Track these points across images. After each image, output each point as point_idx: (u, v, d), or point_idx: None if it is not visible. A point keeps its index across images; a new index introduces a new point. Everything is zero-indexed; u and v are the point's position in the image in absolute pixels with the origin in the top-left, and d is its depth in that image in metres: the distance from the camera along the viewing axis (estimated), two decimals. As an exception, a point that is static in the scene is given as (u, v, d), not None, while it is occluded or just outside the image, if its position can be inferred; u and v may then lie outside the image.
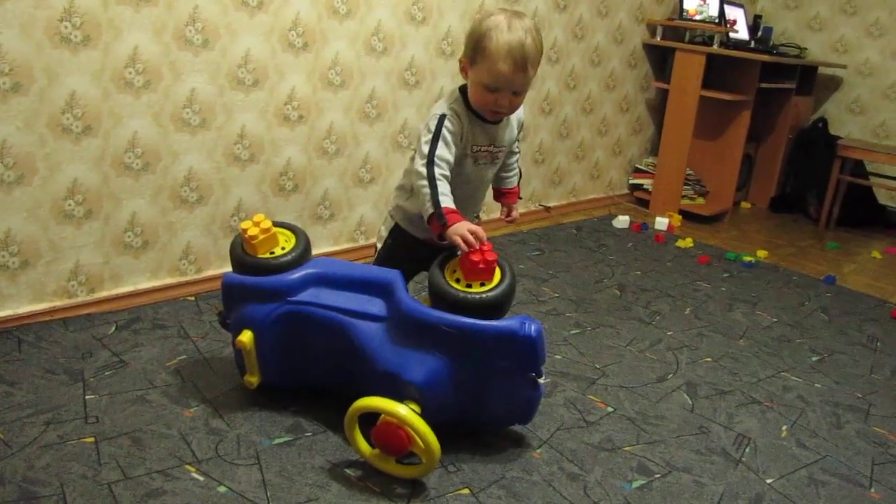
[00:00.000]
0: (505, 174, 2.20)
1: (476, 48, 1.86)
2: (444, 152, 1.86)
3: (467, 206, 2.03)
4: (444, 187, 1.83)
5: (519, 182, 2.25)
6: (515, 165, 2.22)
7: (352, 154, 3.05)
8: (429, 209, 1.82)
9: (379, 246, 2.15)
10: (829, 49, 5.17)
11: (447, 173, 1.86)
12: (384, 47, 3.02)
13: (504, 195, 2.24)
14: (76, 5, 2.17)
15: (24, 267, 2.27)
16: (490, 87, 1.85)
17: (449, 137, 1.88)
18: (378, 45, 2.99)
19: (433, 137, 1.87)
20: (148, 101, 2.40)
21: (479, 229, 1.78)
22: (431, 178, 1.83)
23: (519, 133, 2.13)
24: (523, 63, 1.82)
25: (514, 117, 2.06)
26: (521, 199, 2.28)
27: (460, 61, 1.94)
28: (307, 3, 2.71)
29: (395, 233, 2.11)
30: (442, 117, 1.89)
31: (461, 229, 1.75)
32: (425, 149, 1.86)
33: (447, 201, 1.82)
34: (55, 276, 2.34)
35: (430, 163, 1.84)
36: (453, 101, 1.95)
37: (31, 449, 1.70)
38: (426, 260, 1.94)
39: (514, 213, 2.25)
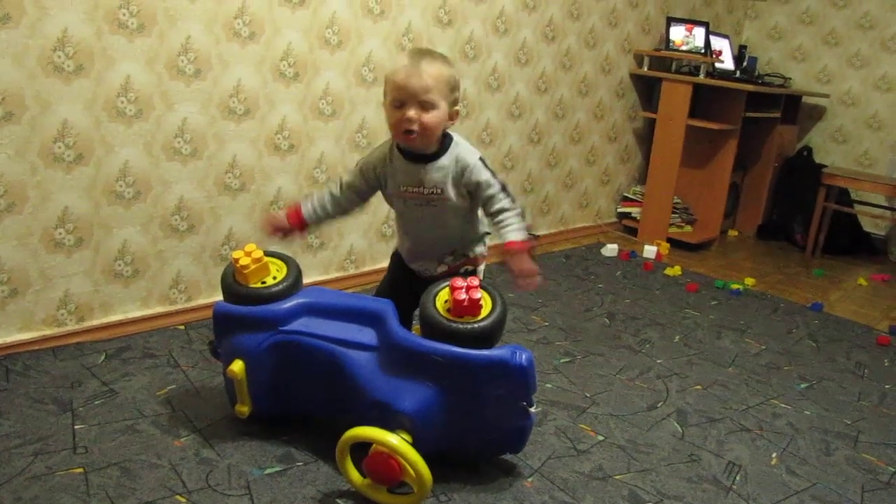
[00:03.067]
0: (499, 230, 1.99)
1: (385, 85, 1.91)
2: (347, 177, 2.06)
3: (422, 249, 2.08)
4: (318, 194, 2.08)
5: (516, 237, 1.94)
6: (508, 220, 1.95)
7: (342, 183, 3.06)
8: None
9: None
10: (812, 79, 5.25)
11: (334, 191, 2.06)
12: (374, 77, 3.04)
13: (503, 249, 1.96)
14: (69, 35, 2.19)
15: (13, 295, 2.26)
16: (394, 104, 1.86)
17: (355, 171, 2.05)
18: (368, 74, 3.02)
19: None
20: (140, 130, 2.41)
21: (274, 219, 2.07)
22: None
23: (477, 187, 1.95)
24: (415, 69, 1.82)
25: (462, 165, 1.94)
26: (534, 248, 2.02)
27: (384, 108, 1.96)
28: (299, 34, 2.74)
29: (394, 255, 2.19)
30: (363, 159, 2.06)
31: (277, 218, 2.07)
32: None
33: (304, 203, 2.07)
34: (44, 304, 2.34)
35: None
36: (384, 143, 2.03)
37: (19, 480, 1.69)
38: (417, 288, 1.98)
39: (515, 266, 1.92)
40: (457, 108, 1.94)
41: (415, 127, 1.84)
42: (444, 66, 1.87)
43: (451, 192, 1.95)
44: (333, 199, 2.06)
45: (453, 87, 1.90)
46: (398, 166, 1.96)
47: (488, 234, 2.14)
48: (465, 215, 2.03)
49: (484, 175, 1.94)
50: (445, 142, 1.95)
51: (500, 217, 1.96)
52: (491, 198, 1.96)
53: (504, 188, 1.97)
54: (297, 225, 2.06)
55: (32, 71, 2.15)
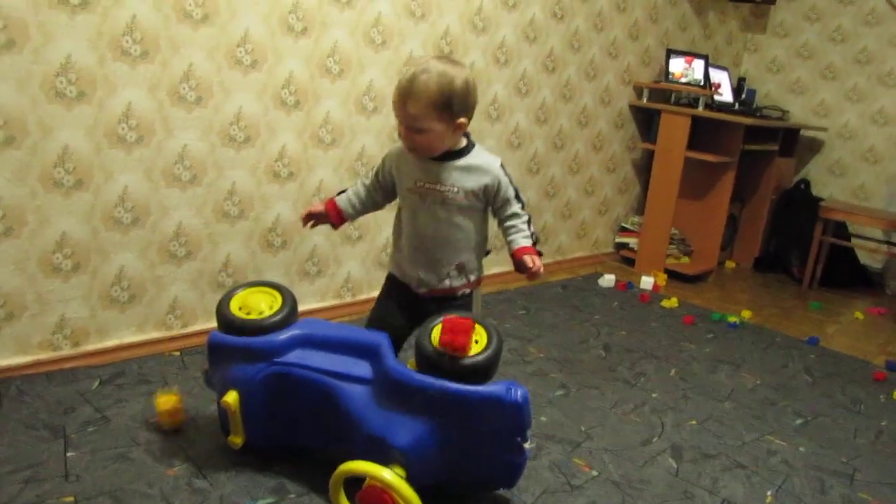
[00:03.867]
0: (509, 237, 2.05)
1: None
2: (377, 169, 2.13)
3: (426, 256, 2.03)
4: (352, 187, 2.17)
5: (534, 244, 2.05)
6: (520, 226, 2.04)
7: (341, 210, 3.06)
8: None
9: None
10: (810, 112, 5.28)
11: (369, 185, 2.15)
12: (375, 106, 3.06)
13: (514, 253, 2.02)
14: (73, 61, 2.20)
15: (8, 319, 2.26)
16: (398, 117, 1.92)
17: (383, 158, 2.11)
18: (369, 103, 3.03)
19: None
20: (140, 157, 2.42)
21: (313, 207, 2.14)
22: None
23: (497, 192, 2.00)
24: (403, 96, 1.85)
25: (484, 168, 1.99)
26: (540, 254, 2.04)
27: None
28: (301, 63, 2.76)
29: (387, 278, 2.18)
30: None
31: (315, 205, 2.16)
32: None
33: (340, 196, 2.16)
34: (40, 328, 2.33)
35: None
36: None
37: (10, 508, 1.68)
38: (413, 311, 2.07)
39: (527, 262, 1.97)
40: (461, 120, 1.91)
41: (408, 144, 1.94)
42: (437, 85, 1.84)
43: (468, 193, 1.98)
44: (366, 191, 2.14)
45: (447, 103, 1.86)
46: (415, 160, 1.99)
47: (489, 252, 2.18)
48: (476, 223, 2.05)
49: (504, 179, 2.02)
50: (468, 144, 2.01)
51: (513, 222, 2.04)
52: (507, 201, 2.03)
53: (518, 194, 2.05)
54: (334, 215, 2.14)
55: (35, 96, 2.16)
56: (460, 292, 2.08)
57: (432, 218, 2.00)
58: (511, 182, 2.03)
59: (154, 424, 2.09)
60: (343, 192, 2.17)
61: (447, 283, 2.05)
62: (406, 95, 1.85)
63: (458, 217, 2.00)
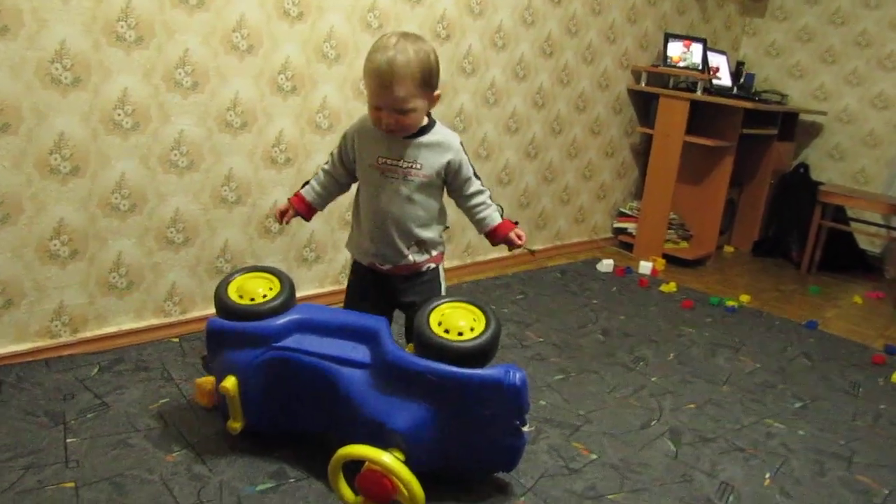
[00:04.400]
0: (478, 215, 2.09)
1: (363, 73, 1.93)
2: (335, 149, 2.13)
3: (385, 232, 2.03)
4: (316, 179, 2.18)
5: (501, 215, 2.11)
6: (487, 202, 2.10)
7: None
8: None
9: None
10: (809, 96, 5.27)
11: (328, 169, 2.16)
12: (372, 91, 3.05)
13: (494, 233, 2.10)
14: (67, 47, 2.19)
15: (7, 307, 2.26)
16: (372, 105, 1.91)
17: (343, 135, 2.10)
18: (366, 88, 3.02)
19: None
20: (136, 143, 2.41)
21: (283, 206, 2.16)
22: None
23: (458, 170, 2.03)
24: (388, 81, 1.84)
25: (445, 145, 2.01)
26: (516, 223, 2.11)
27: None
28: (297, 48, 2.75)
29: (354, 269, 2.20)
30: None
31: (282, 204, 2.18)
32: None
33: (306, 189, 2.17)
34: (38, 316, 2.33)
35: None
36: (364, 115, 2.05)
37: (9, 495, 1.68)
38: (384, 292, 2.13)
39: (515, 240, 2.08)
40: (437, 92, 1.95)
41: (394, 128, 1.92)
42: (417, 63, 1.86)
43: (430, 169, 2.00)
44: (327, 176, 2.16)
45: (427, 79, 1.89)
46: (379, 137, 1.99)
47: (447, 227, 2.20)
48: (436, 199, 2.08)
49: (464, 157, 2.05)
50: (430, 121, 2.02)
51: (479, 199, 2.09)
52: (468, 180, 2.07)
53: (475, 171, 2.10)
54: (301, 209, 2.16)
55: (30, 83, 2.15)
56: (425, 267, 2.11)
57: (394, 194, 2.01)
58: (468, 160, 2.07)
59: (154, 410, 2.10)
60: (307, 183, 2.18)
61: (410, 258, 2.07)
62: (390, 79, 1.83)
63: (419, 194, 2.02)
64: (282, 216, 2.19)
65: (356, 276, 2.19)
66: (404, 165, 1.98)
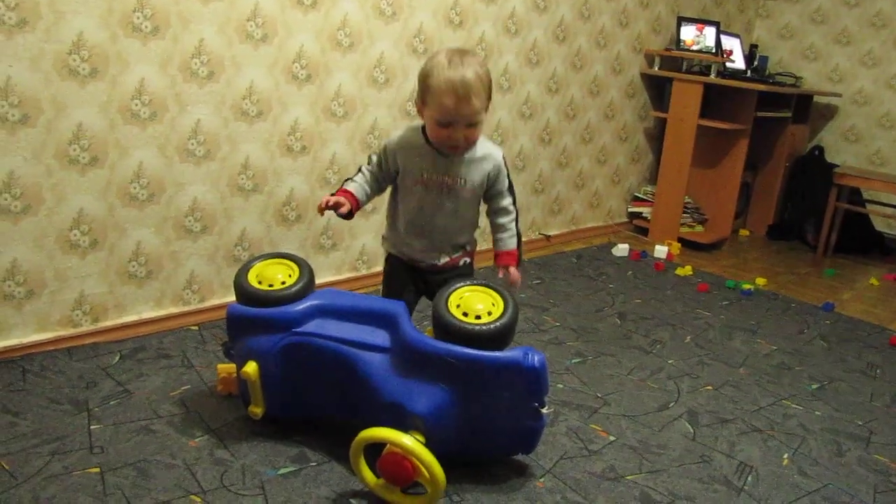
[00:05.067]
0: (497, 234, 2.13)
1: (423, 88, 1.93)
2: (374, 158, 2.10)
3: (429, 239, 2.08)
4: (358, 176, 2.09)
5: (519, 248, 2.14)
6: (508, 226, 2.12)
7: (354, 184, 3.07)
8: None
9: (384, 261, 2.24)
10: (824, 78, 5.24)
11: (373, 170, 2.09)
12: (386, 78, 3.06)
13: (499, 257, 2.14)
14: (85, 38, 2.21)
15: (29, 296, 2.29)
16: (441, 123, 1.90)
17: (380, 154, 2.08)
18: (380, 76, 3.03)
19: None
20: (153, 133, 2.43)
21: (338, 199, 2.01)
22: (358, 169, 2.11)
23: (496, 181, 2.07)
24: (466, 95, 1.86)
25: (488, 158, 2.04)
26: (521, 262, 2.16)
27: (416, 104, 2.00)
28: (311, 36, 2.75)
29: (388, 259, 2.21)
30: (387, 140, 2.09)
31: (327, 196, 2.03)
32: None
33: (354, 186, 2.07)
34: (60, 305, 2.36)
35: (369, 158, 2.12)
36: (412, 128, 2.05)
37: (37, 480, 1.71)
38: (419, 282, 2.15)
39: (513, 275, 2.10)
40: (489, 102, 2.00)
41: (461, 144, 1.94)
42: (484, 75, 1.91)
43: (475, 184, 2.04)
44: (373, 178, 2.10)
45: (490, 93, 1.96)
46: (426, 154, 2.00)
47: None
48: (475, 208, 2.13)
49: (503, 170, 2.08)
50: None
51: (502, 220, 2.12)
52: (500, 193, 2.09)
53: (511, 188, 2.11)
54: (354, 204, 2.07)
55: (48, 74, 2.17)
56: (461, 262, 2.15)
57: (437, 208, 2.04)
58: (508, 175, 2.09)
59: (176, 397, 2.12)
60: (349, 180, 2.11)
61: (447, 259, 2.12)
62: (468, 95, 1.86)
63: (462, 206, 2.06)
64: (330, 207, 2.02)
65: (392, 267, 2.19)
66: (449, 182, 2.01)
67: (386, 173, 2.09)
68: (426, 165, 2.00)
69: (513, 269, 2.09)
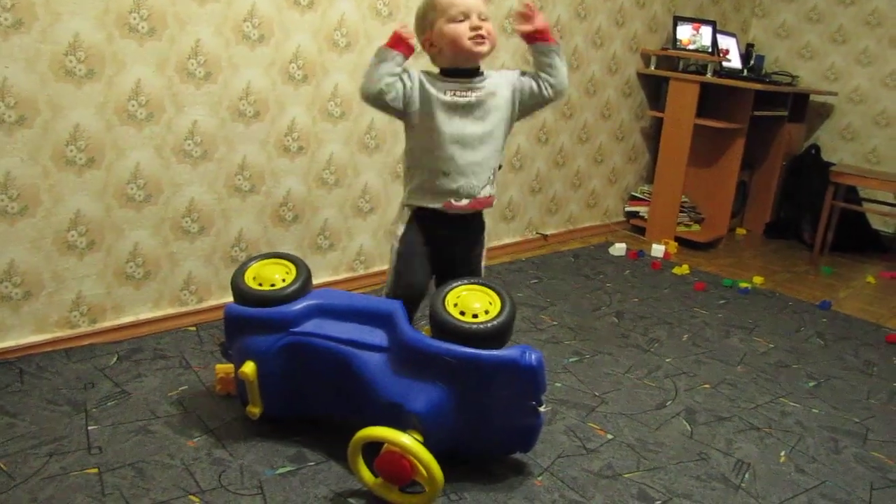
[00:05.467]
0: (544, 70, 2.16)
1: (427, 15, 2.04)
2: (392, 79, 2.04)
3: (463, 163, 2.05)
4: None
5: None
6: (547, 68, 2.15)
7: (351, 184, 3.08)
8: (374, 56, 2.04)
9: (396, 245, 2.14)
10: (820, 77, 5.25)
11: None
12: (383, 79, 3.05)
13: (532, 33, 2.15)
14: (81, 39, 2.21)
15: (26, 298, 2.29)
16: (458, 18, 1.99)
17: (406, 78, 2.05)
18: (377, 76, 3.03)
19: None
20: (150, 133, 2.43)
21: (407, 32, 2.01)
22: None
23: (522, 79, 2.14)
24: None
25: (504, 75, 2.13)
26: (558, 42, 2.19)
27: (424, 43, 2.07)
28: (308, 37, 2.76)
29: (412, 223, 2.13)
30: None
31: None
32: None
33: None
34: (57, 306, 2.36)
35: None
36: (424, 71, 2.09)
37: (35, 480, 1.71)
38: (445, 246, 2.13)
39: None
40: None
41: (483, 33, 2.00)
42: None
43: (505, 98, 2.09)
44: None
45: None
46: (448, 81, 2.05)
47: (501, 166, 2.24)
48: (506, 129, 2.14)
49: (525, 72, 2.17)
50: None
51: (541, 71, 2.17)
52: (525, 84, 2.15)
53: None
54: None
55: (44, 76, 2.17)
56: (486, 207, 2.16)
57: (473, 123, 2.05)
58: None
59: (174, 398, 2.13)
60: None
61: (487, 189, 2.11)
62: None
63: (495, 124, 2.09)
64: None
65: (414, 232, 2.13)
66: (482, 95, 2.05)
67: (402, 95, 2.04)
68: (453, 85, 2.04)
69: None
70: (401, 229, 2.14)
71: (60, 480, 1.72)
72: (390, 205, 3.24)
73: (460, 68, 2.06)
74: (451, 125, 2.03)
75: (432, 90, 2.03)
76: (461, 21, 1.98)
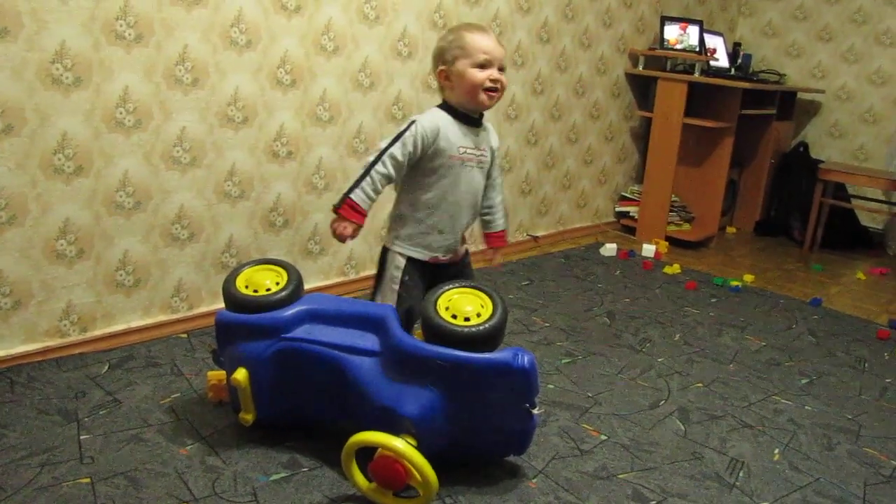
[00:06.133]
0: (489, 214, 2.26)
1: (451, 50, 2.04)
2: (397, 152, 2.00)
3: (457, 214, 2.12)
4: (371, 185, 1.99)
5: (506, 225, 2.31)
6: (499, 204, 2.28)
7: (341, 189, 3.03)
8: (345, 190, 1.99)
9: (396, 287, 2.11)
10: (807, 75, 5.27)
11: (389, 172, 2.00)
12: (371, 82, 3.06)
13: (491, 238, 2.31)
14: (67, 47, 2.20)
15: (16, 307, 2.27)
16: (482, 65, 2.01)
17: (410, 140, 2.00)
18: (365, 80, 3.03)
19: (394, 138, 2.01)
20: (139, 141, 2.42)
21: (345, 232, 1.97)
22: (368, 170, 1.99)
23: (495, 152, 2.20)
24: (495, 37, 2.06)
25: (491, 129, 2.20)
26: (507, 243, 2.34)
27: (439, 74, 2.08)
28: (295, 41, 2.75)
29: (409, 268, 2.12)
30: (412, 123, 2.03)
31: (339, 225, 1.98)
32: (382, 144, 2.03)
33: (360, 196, 1.97)
34: (47, 315, 2.35)
35: (378, 157, 2.00)
36: (434, 111, 2.09)
37: (27, 491, 1.70)
38: (427, 283, 2.14)
39: (498, 259, 2.39)
40: None
41: (499, 86, 2.05)
42: None
43: (493, 153, 2.18)
44: (383, 178, 2.00)
45: None
46: (454, 130, 2.06)
47: None
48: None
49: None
50: None
51: (500, 195, 2.27)
52: (496, 167, 2.23)
53: None
54: (362, 222, 2.01)
55: (31, 84, 2.16)
56: (466, 249, 2.24)
57: (470, 183, 2.11)
58: None
59: (166, 405, 2.12)
60: (351, 192, 1.98)
61: (463, 246, 2.20)
62: (494, 36, 2.06)
63: (483, 178, 2.17)
64: (346, 238, 2.00)
65: (411, 276, 2.12)
66: (478, 153, 2.11)
67: (409, 160, 2.02)
68: (462, 140, 2.06)
69: (501, 252, 2.35)
70: (397, 276, 2.11)
71: (53, 491, 1.70)
72: (381, 208, 3.23)
73: (467, 114, 2.10)
74: (449, 181, 2.07)
75: (447, 143, 2.04)
76: (482, 67, 2.01)
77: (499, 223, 2.29)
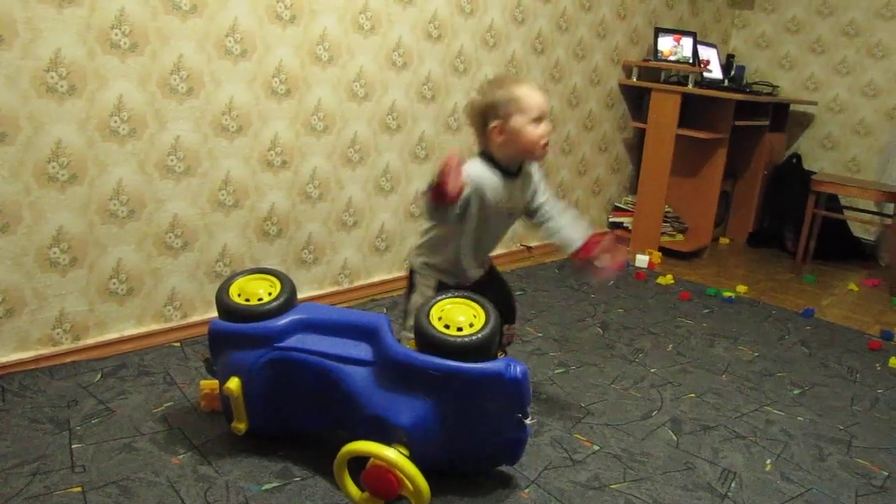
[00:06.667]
0: (556, 240, 2.22)
1: (506, 105, 2.02)
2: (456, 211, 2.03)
3: (480, 255, 2.19)
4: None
5: (580, 235, 2.18)
6: (562, 227, 2.21)
7: (335, 198, 3.08)
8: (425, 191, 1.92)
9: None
10: (800, 87, 5.30)
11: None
12: (366, 92, 3.06)
13: (580, 251, 2.16)
14: (62, 56, 2.20)
15: (8, 315, 2.27)
16: (537, 120, 2.03)
17: (473, 188, 2.01)
18: (360, 90, 3.04)
19: None
20: (133, 149, 2.42)
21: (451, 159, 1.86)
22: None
23: (537, 180, 2.22)
24: (542, 92, 2.10)
25: (533, 171, 2.21)
26: (595, 252, 2.15)
27: (493, 130, 2.03)
28: (290, 51, 2.76)
29: (440, 287, 2.14)
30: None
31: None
32: None
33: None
34: (40, 324, 2.34)
35: None
36: (478, 165, 2.08)
37: (18, 501, 1.69)
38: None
39: (610, 262, 2.17)
40: None
41: (547, 139, 2.07)
42: None
43: (534, 192, 2.21)
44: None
45: None
46: (497, 183, 2.07)
47: None
48: None
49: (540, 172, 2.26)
50: None
51: (553, 223, 2.22)
52: (543, 191, 2.24)
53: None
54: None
55: (26, 92, 2.16)
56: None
57: (498, 226, 2.19)
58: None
59: (158, 414, 2.11)
60: None
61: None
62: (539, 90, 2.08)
63: (512, 219, 2.23)
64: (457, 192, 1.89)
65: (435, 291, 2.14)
66: (512, 206, 2.15)
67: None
68: (500, 196, 2.08)
69: (616, 250, 2.20)
70: (430, 295, 2.09)
71: (44, 500, 1.70)
72: (375, 217, 3.25)
73: (512, 166, 2.11)
74: (484, 227, 2.11)
75: (488, 199, 2.06)
76: (539, 123, 2.03)
77: (573, 243, 2.17)
